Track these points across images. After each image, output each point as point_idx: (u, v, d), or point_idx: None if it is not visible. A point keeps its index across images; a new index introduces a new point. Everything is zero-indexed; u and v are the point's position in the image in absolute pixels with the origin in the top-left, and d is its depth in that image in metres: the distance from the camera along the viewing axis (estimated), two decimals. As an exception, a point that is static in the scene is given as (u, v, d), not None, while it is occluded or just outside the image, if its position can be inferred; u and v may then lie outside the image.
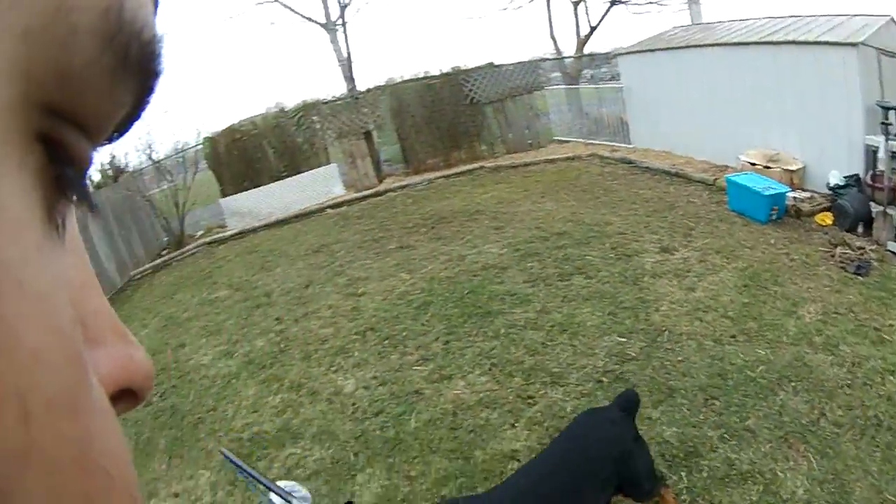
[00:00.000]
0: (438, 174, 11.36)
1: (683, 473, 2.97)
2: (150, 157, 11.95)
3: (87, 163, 0.22)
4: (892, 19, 7.13)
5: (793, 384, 3.56)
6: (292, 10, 15.39)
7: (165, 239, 11.64)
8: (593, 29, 15.27)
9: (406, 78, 13.31)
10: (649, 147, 10.24)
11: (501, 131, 12.45)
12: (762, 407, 3.38)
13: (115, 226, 9.99)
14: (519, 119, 12.48)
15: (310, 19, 15.11)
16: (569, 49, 16.10)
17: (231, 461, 2.13)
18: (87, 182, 0.23)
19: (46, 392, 0.18)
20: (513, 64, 12.59)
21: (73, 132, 0.21)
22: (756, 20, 8.80)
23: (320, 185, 11.55)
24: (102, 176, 11.14)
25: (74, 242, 0.25)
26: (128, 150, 11.53)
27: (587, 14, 15.45)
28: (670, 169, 8.72)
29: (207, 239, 10.66)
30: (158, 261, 10.28)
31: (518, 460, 3.12)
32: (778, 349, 3.90)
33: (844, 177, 6.45)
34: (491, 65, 12.44)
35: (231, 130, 12.13)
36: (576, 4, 14.98)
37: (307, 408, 4.19)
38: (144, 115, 0.25)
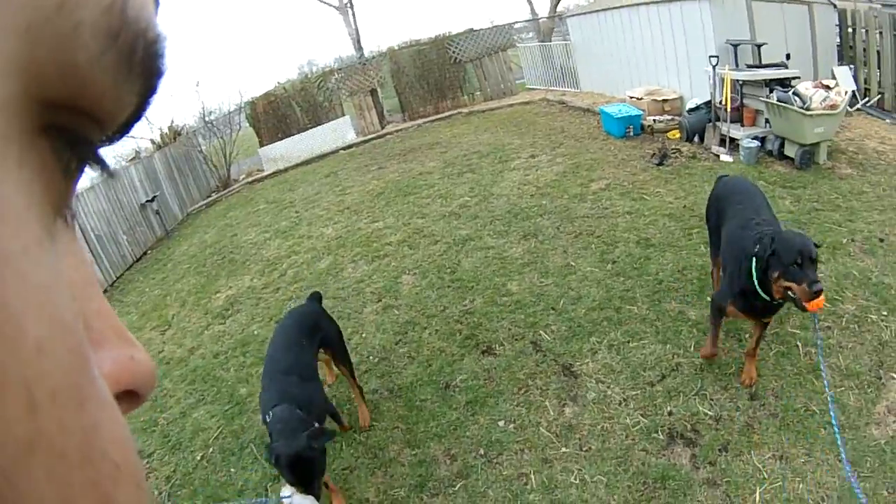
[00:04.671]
0: (426, 119, 14.71)
1: (461, 255, 6.35)
2: (203, 119, 15.48)
3: (97, 145, 0.24)
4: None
5: (549, 216, 6.65)
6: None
7: (216, 184, 14.96)
8: (564, -9, 18.19)
9: (402, 45, 16.34)
10: (592, 90, 13.02)
11: (480, 83, 15.52)
12: (522, 224, 6.60)
13: (177, 174, 13.59)
14: (495, 73, 15.51)
15: (327, 3, 18.41)
16: (543, 10, 19.10)
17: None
18: (102, 155, 0.24)
19: (51, 382, 0.18)
20: (489, 28, 15.58)
21: (83, 120, 0.22)
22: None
23: (337, 133, 14.95)
24: (162, 137, 14.31)
25: (76, 244, 0.26)
26: (184, 114, 14.90)
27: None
28: (586, 106, 11.70)
29: (248, 179, 14.21)
30: (210, 199, 13.82)
31: (388, 255, 6.64)
32: (554, 200, 7.09)
33: (703, 103, 8.55)
34: (471, 30, 15.45)
35: (267, 94, 15.69)
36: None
37: (305, 243, 7.78)
38: (146, 114, 0.26)
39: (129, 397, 0.27)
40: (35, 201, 0.20)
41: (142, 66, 0.22)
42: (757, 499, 3.01)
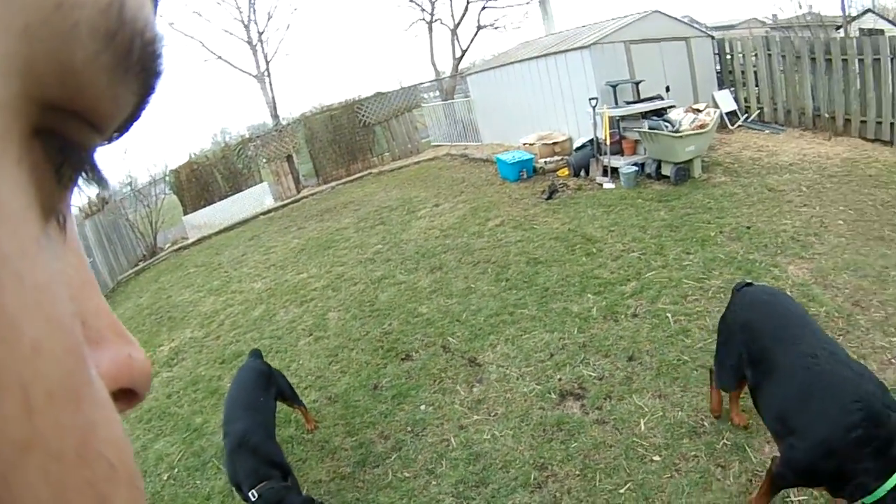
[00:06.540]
0: (339, 182, 15.83)
1: (378, 291, 7.37)
2: (130, 187, 16.01)
3: (92, 150, 0.24)
4: (657, 11, 10.26)
5: (452, 252, 7.83)
6: (232, 66, 20.10)
7: (143, 252, 15.37)
8: (464, 52, 19.88)
9: (315, 110, 17.40)
10: (492, 142, 14.15)
11: (388, 144, 16.78)
12: (428, 261, 7.72)
13: (107, 243, 13.89)
14: (402, 133, 16.81)
15: (245, 72, 19.50)
16: (447, 69, 20.65)
17: None
18: (98, 165, 0.25)
19: (48, 382, 0.19)
20: (396, 90, 16.92)
21: (77, 124, 0.22)
22: (554, 34, 13.01)
23: (256, 199, 15.83)
24: (90, 205, 14.47)
25: (74, 243, 0.27)
26: (112, 181, 15.51)
27: (458, 40, 20.03)
28: (485, 157, 12.87)
29: (174, 247, 14.77)
30: (138, 266, 14.17)
31: (315, 298, 7.59)
32: (455, 239, 8.26)
33: (587, 140, 9.56)
34: (378, 93, 16.73)
35: (190, 163, 16.47)
36: (453, 31, 19.44)
37: (238, 297, 8.62)
38: (143, 115, 0.26)
39: (126, 396, 0.28)
40: (34, 200, 0.20)
41: (139, 67, 0.23)
42: (642, 427, 3.86)
